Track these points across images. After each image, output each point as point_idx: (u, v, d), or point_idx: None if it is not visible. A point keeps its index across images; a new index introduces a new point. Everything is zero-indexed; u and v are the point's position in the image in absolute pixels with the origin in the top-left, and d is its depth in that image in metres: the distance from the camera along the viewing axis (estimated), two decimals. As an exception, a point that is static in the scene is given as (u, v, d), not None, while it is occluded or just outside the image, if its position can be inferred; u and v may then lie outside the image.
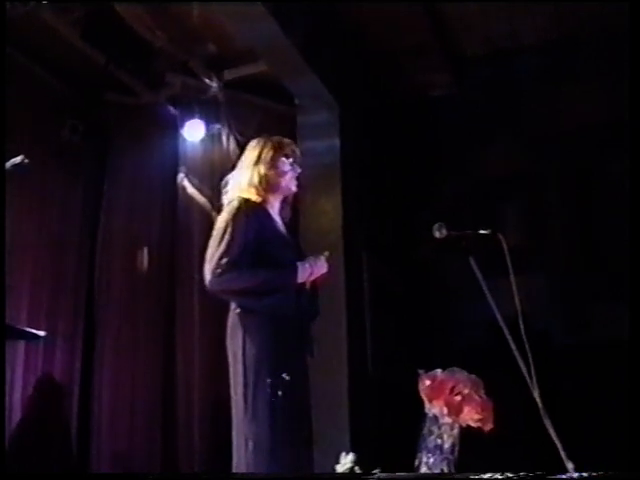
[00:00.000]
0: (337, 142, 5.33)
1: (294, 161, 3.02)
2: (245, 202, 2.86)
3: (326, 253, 2.97)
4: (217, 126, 5.87)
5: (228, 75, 5.88)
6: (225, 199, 2.96)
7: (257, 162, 2.96)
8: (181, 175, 5.89)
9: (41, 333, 3.23)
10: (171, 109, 5.91)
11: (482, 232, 2.84)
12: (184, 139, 5.88)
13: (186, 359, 5.62)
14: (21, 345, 5.33)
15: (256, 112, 5.95)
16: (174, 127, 5.93)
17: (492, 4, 5.35)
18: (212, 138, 5.89)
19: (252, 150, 3.03)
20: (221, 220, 2.84)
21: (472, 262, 2.78)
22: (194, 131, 5.76)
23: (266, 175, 2.93)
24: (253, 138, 5.52)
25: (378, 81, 5.98)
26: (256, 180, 2.92)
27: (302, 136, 5.36)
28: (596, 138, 5.57)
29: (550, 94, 5.77)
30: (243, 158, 3.04)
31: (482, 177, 5.96)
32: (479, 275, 2.76)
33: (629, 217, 2.76)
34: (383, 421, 5.13)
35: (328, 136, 5.33)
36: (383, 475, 2.41)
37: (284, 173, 2.98)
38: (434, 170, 6.10)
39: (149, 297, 5.91)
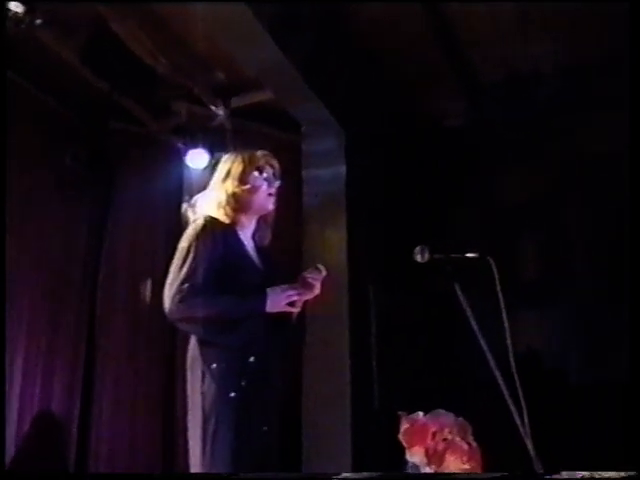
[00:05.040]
0: (343, 170, 5.11)
1: (270, 175, 2.77)
2: (211, 221, 2.62)
3: (320, 267, 2.67)
4: (223, 154, 5.70)
5: (235, 102, 5.75)
6: (191, 218, 2.71)
7: (225, 179, 2.72)
8: (184, 205, 5.71)
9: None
10: (177, 138, 5.77)
11: (469, 255, 2.57)
12: (189, 167, 5.72)
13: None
14: (17, 379, 5.19)
15: (264, 140, 5.78)
16: (180, 156, 5.78)
17: (507, 28, 5.15)
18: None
19: (221, 167, 2.79)
20: (184, 240, 2.59)
21: (457, 289, 2.50)
22: (198, 159, 5.59)
23: (234, 193, 2.67)
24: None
25: (388, 107, 5.78)
26: (223, 199, 2.67)
27: (307, 164, 5.21)
28: (618, 166, 5.28)
29: (570, 120, 5.50)
30: (213, 176, 2.80)
31: (498, 206, 5.70)
32: (465, 304, 2.48)
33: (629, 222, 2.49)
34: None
35: (333, 164, 5.13)
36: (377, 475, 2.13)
37: (256, 189, 2.70)
38: (448, 199, 5.84)
39: (151, 330, 5.72)
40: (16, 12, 4.05)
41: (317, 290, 2.68)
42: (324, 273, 2.69)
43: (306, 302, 2.74)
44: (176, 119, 5.77)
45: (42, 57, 5.02)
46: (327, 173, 5.14)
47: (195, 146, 5.58)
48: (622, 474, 1.66)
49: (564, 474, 1.85)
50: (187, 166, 5.68)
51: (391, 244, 5.56)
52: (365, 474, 2.05)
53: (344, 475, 1.99)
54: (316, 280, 2.67)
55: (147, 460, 5.51)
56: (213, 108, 5.70)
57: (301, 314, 2.76)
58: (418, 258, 2.59)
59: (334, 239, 5.02)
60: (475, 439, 2.38)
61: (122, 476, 4.71)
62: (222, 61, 5.33)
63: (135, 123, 5.80)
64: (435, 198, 5.82)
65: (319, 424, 4.67)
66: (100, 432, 5.52)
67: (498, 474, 1.83)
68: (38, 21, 4.20)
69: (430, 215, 5.74)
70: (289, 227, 5.16)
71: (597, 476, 1.70)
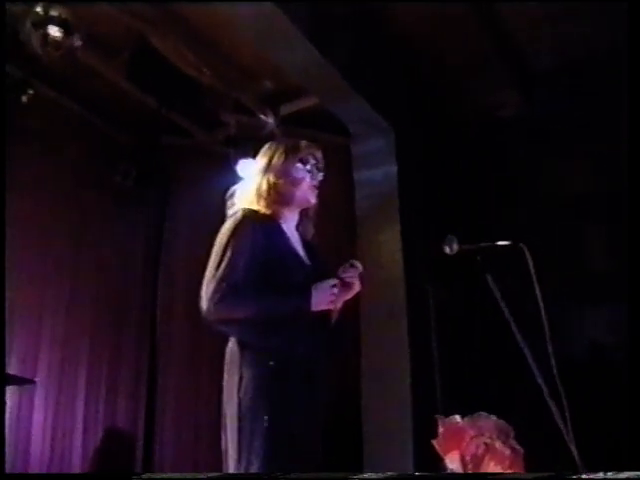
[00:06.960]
0: (394, 169, 5.01)
1: (313, 167, 2.59)
2: (251, 213, 2.43)
3: (354, 262, 2.49)
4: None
5: (284, 110, 5.71)
6: (229, 211, 2.53)
7: (267, 169, 2.52)
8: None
9: (35, 379, 3.07)
10: (228, 149, 5.76)
11: (500, 243, 2.37)
12: (241, 178, 5.68)
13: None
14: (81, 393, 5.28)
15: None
16: (232, 167, 5.77)
17: (558, 9, 4.91)
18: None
19: (262, 156, 2.59)
20: (222, 235, 2.40)
21: (490, 280, 2.31)
22: (249, 169, 5.54)
23: (276, 184, 2.48)
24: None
25: (438, 102, 5.61)
26: (264, 189, 2.48)
27: (357, 166, 5.14)
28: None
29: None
30: (254, 166, 2.63)
31: (558, 200, 5.40)
32: (498, 296, 2.30)
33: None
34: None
35: (384, 163, 5.03)
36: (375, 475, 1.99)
37: (298, 181, 2.53)
38: (505, 193, 5.59)
39: (211, 342, 5.72)
40: (55, 37, 4.09)
41: (357, 287, 2.52)
42: (360, 268, 2.52)
43: (348, 300, 2.58)
44: (226, 130, 5.76)
45: (88, 78, 5.12)
46: (378, 173, 5.05)
47: (246, 156, 5.54)
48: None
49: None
50: (239, 176, 5.67)
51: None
52: (366, 474, 1.90)
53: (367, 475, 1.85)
54: (354, 277, 2.50)
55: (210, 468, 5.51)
56: (262, 117, 5.66)
57: (343, 312, 2.59)
58: (447, 250, 2.43)
59: (389, 239, 4.91)
60: (519, 442, 2.21)
61: (125, 475, 4.69)
62: (268, 69, 5.28)
63: (186, 137, 5.83)
64: (490, 192, 5.60)
65: (380, 425, 4.56)
66: (163, 441, 5.55)
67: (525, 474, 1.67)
68: (77, 43, 4.22)
69: (487, 210, 5.53)
70: (341, 229, 5.11)
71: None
